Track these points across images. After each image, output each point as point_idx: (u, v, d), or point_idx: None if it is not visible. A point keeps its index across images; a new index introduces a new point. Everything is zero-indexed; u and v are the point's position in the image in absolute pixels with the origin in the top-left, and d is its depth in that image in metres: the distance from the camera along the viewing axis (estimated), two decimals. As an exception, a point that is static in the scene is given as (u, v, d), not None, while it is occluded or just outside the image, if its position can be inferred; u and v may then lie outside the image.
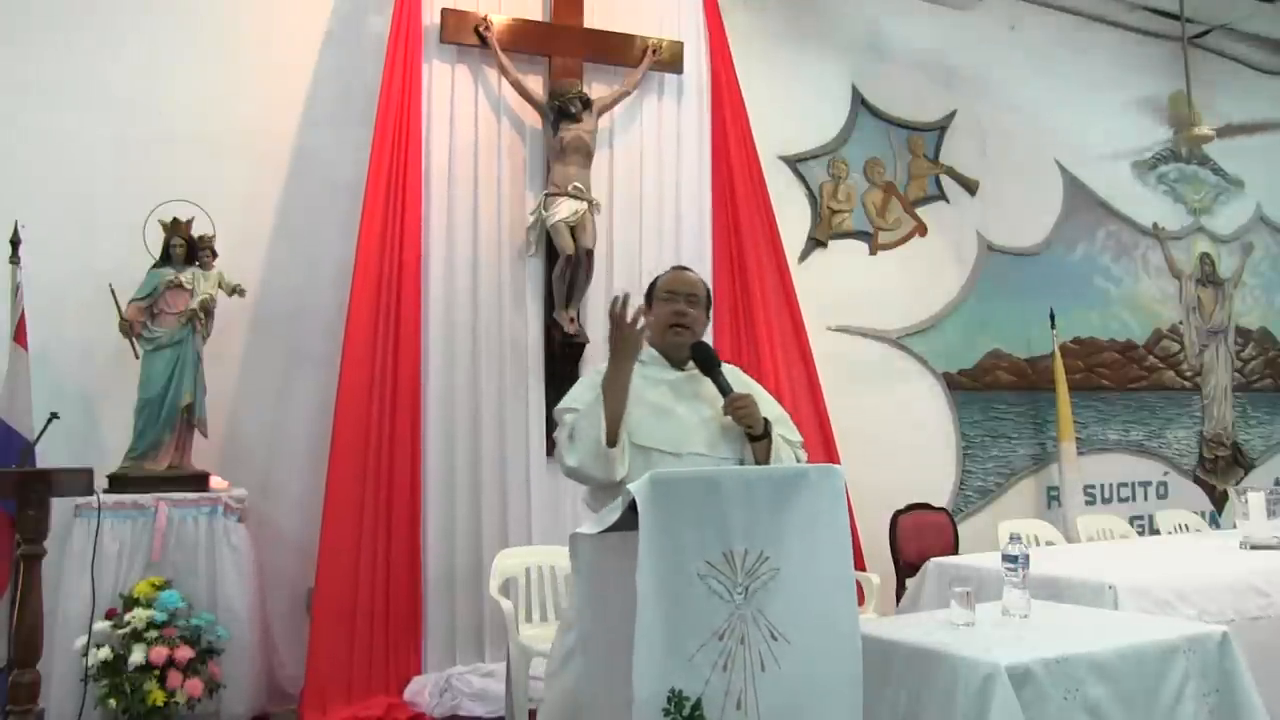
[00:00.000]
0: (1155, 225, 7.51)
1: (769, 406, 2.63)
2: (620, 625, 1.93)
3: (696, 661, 1.91)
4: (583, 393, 2.55)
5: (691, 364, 2.61)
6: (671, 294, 2.64)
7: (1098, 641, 2.22)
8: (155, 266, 4.19)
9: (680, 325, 2.61)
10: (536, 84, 4.93)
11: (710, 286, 2.76)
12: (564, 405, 2.55)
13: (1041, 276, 6.85)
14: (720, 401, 2.52)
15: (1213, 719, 2.24)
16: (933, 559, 3.67)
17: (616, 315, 2.44)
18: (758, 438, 2.50)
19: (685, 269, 2.78)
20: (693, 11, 5.40)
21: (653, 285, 2.73)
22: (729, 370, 2.63)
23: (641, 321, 2.47)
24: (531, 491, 4.71)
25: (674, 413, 2.51)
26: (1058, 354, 6.58)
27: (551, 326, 4.83)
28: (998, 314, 6.67)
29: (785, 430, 2.61)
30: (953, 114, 6.69)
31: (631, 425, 2.44)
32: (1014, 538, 3.31)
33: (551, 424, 4.76)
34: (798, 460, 2.58)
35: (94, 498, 3.30)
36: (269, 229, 4.73)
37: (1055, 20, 7.20)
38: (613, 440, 2.37)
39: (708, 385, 2.55)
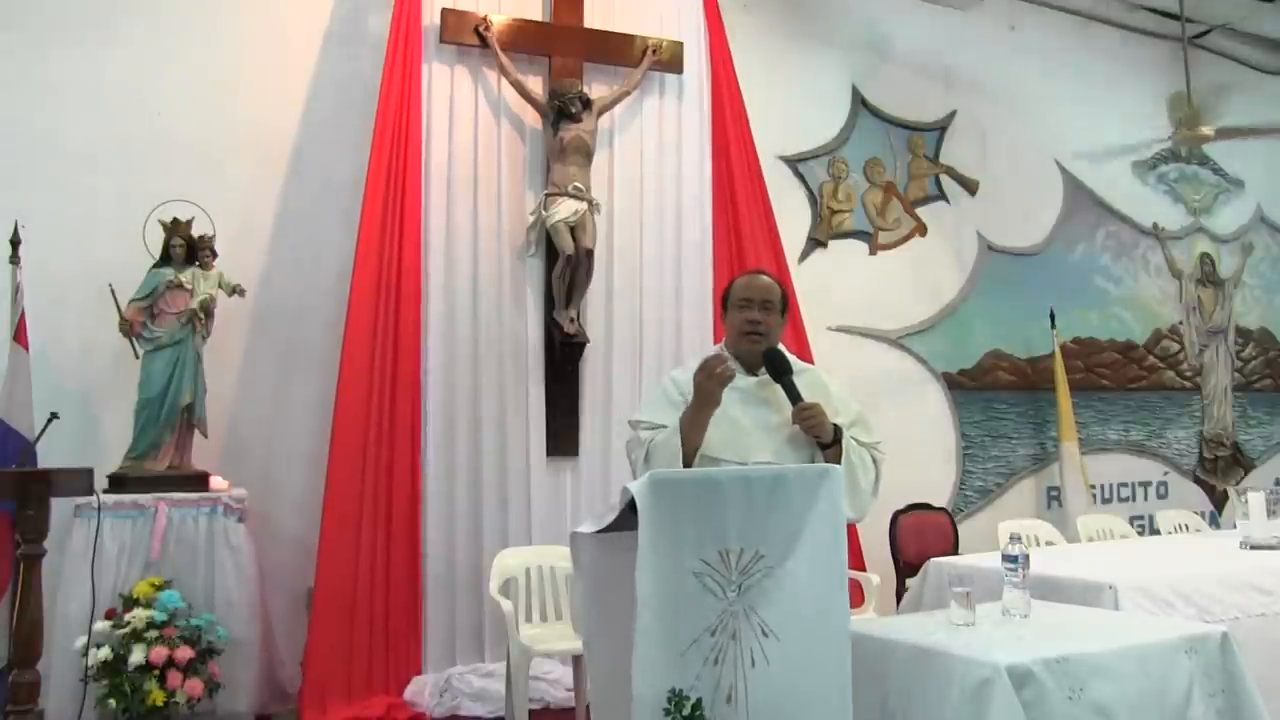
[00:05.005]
0: (1155, 225, 7.51)
1: (845, 408, 2.62)
2: (623, 624, 1.94)
3: (688, 656, 1.93)
4: (657, 407, 2.57)
5: (765, 370, 2.59)
6: (746, 301, 2.63)
7: (1099, 641, 2.22)
8: (155, 266, 4.19)
9: (754, 333, 2.60)
10: (536, 84, 4.93)
11: (785, 289, 2.75)
12: (639, 418, 2.58)
13: (1041, 276, 6.85)
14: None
15: (1220, 719, 2.24)
16: (933, 559, 3.67)
17: (712, 365, 2.42)
18: (828, 445, 2.51)
19: (760, 273, 2.76)
20: (693, 11, 5.40)
21: (728, 289, 2.72)
22: (806, 372, 2.63)
23: (730, 370, 2.45)
24: (531, 491, 4.72)
25: (740, 422, 2.51)
26: (1058, 354, 6.58)
27: (551, 326, 4.83)
28: (998, 314, 6.67)
29: (860, 432, 2.60)
30: (953, 114, 6.69)
31: None
32: (1014, 538, 3.31)
33: (551, 424, 4.83)
34: (874, 461, 2.59)
35: (94, 498, 3.29)
36: (269, 229, 4.73)
37: (1055, 20, 7.19)
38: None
39: (782, 391, 2.53)
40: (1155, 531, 5.59)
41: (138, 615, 3.63)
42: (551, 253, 4.81)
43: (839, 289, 6.04)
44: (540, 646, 3.82)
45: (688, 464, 2.40)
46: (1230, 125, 7.47)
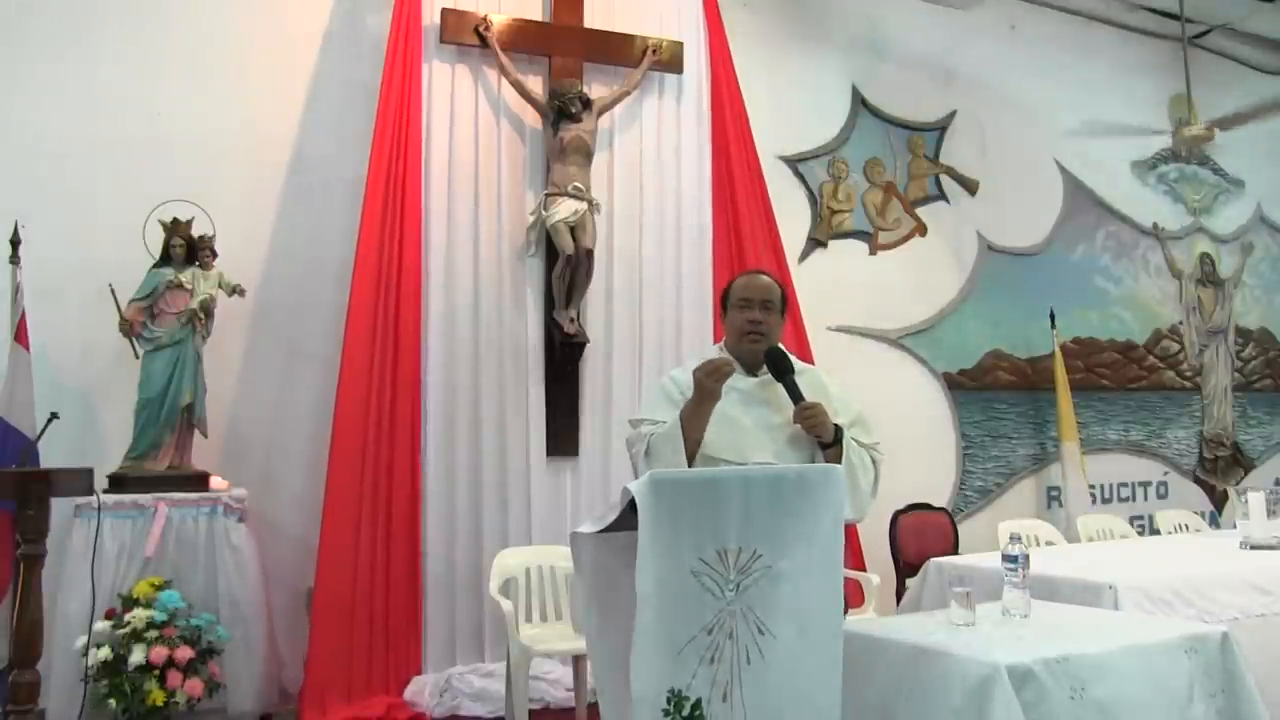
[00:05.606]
0: (1155, 225, 7.51)
1: (845, 409, 2.62)
2: (624, 624, 1.94)
3: (685, 655, 1.93)
4: (656, 405, 2.57)
5: (766, 370, 2.59)
6: (746, 301, 2.63)
7: (1099, 641, 2.22)
8: (155, 266, 4.19)
9: (755, 333, 2.59)
10: (536, 84, 4.93)
11: (784, 289, 2.75)
12: (639, 416, 2.59)
13: (1041, 276, 6.85)
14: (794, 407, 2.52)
15: (1220, 719, 2.24)
16: (933, 559, 3.67)
17: (712, 363, 2.43)
18: (829, 445, 2.50)
19: (760, 273, 2.76)
20: (693, 11, 5.40)
21: (728, 289, 2.72)
22: (806, 372, 2.63)
23: (730, 367, 2.47)
24: (531, 491, 4.72)
25: (740, 422, 2.51)
26: (1058, 354, 6.58)
27: (551, 326, 4.83)
28: (998, 314, 6.66)
29: (860, 432, 2.60)
30: (953, 114, 6.69)
31: None
32: (1014, 538, 3.31)
33: (551, 424, 4.83)
34: (873, 461, 2.58)
35: (94, 498, 3.28)
36: (269, 229, 4.73)
37: (1055, 20, 7.19)
38: (690, 465, 2.41)
39: (782, 391, 2.53)
40: (1155, 531, 5.60)
41: (138, 615, 3.63)
42: (551, 253, 4.81)
43: (839, 289, 6.04)
44: (540, 646, 3.82)
45: (690, 456, 2.40)
46: (1229, 115, 7.46)
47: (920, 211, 6.49)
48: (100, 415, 4.30)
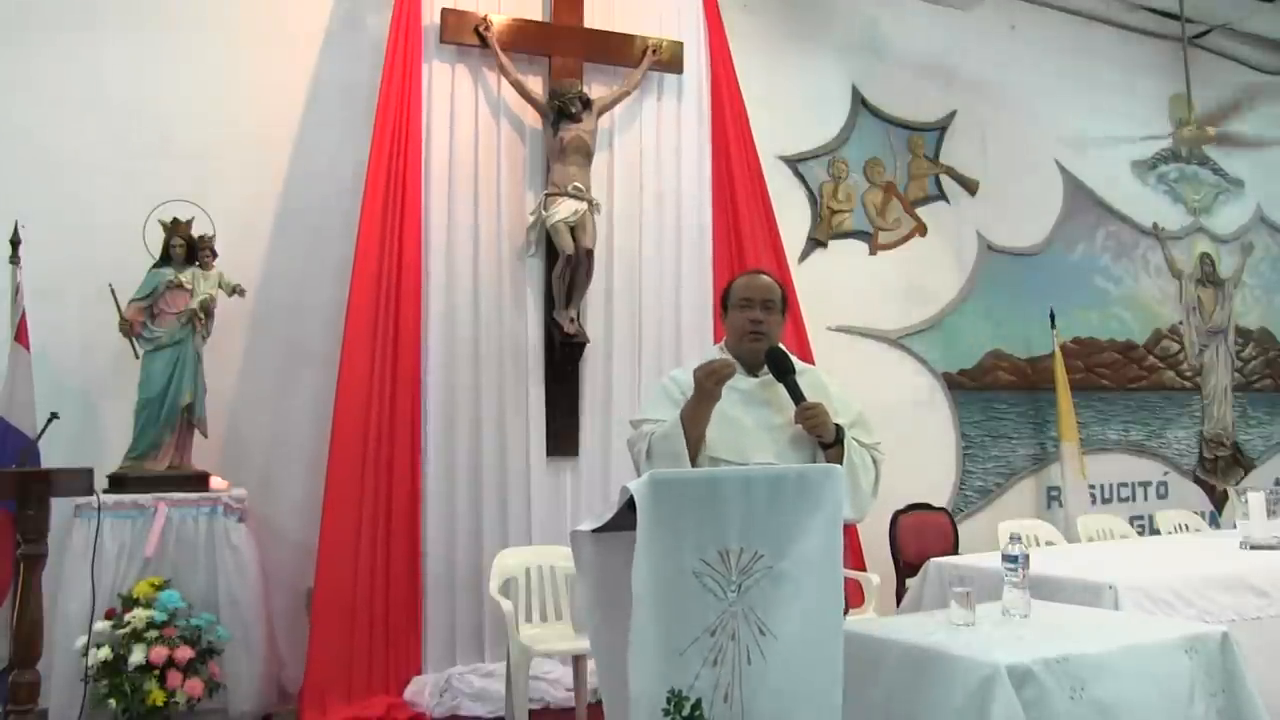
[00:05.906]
0: (1155, 225, 7.51)
1: (845, 409, 2.62)
2: (628, 624, 1.94)
3: (688, 656, 1.93)
4: (657, 404, 2.57)
5: (766, 370, 2.58)
6: (746, 301, 2.63)
7: (1099, 641, 2.22)
8: (155, 266, 4.19)
9: (756, 333, 2.59)
10: (536, 84, 4.93)
11: (784, 289, 2.74)
12: (640, 416, 2.59)
13: (1041, 276, 6.85)
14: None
15: (1221, 719, 2.24)
16: (933, 559, 3.67)
17: (712, 364, 2.43)
18: (829, 445, 2.50)
19: (760, 273, 2.75)
20: (693, 11, 5.40)
21: (728, 289, 2.72)
22: (807, 373, 2.62)
23: (731, 368, 2.46)
24: (531, 491, 4.72)
25: (741, 422, 2.51)
26: (1058, 354, 6.58)
27: (551, 326, 4.83)
28: (998, 314, 6.67)
29: (860, 432, 2.60)
30: (953, 114, 6.69)
31: None
32: (1014, 538, 3.31)
33: (551, 424, 4.83)
34: (874, 461, 2.58)
35: (94, 498, 3.27)
36: (269, 229, 4.73)
37: (1055, 20, 7.19)
38: (691, 465, 2.41)
39: (783, 391, 2.53)
40: (1155, 531, 5.60)
41: (138, 615, 3.64)
42: (551, 253, 4.81)
43: (839, 289, 6.04)
44: (540, 646, 3.82)
45: (691, 457, 2.40)
46: (1231, 131, 7.46)
47: (920, 211, 6.50)
48: (100, 415, 4.30)
